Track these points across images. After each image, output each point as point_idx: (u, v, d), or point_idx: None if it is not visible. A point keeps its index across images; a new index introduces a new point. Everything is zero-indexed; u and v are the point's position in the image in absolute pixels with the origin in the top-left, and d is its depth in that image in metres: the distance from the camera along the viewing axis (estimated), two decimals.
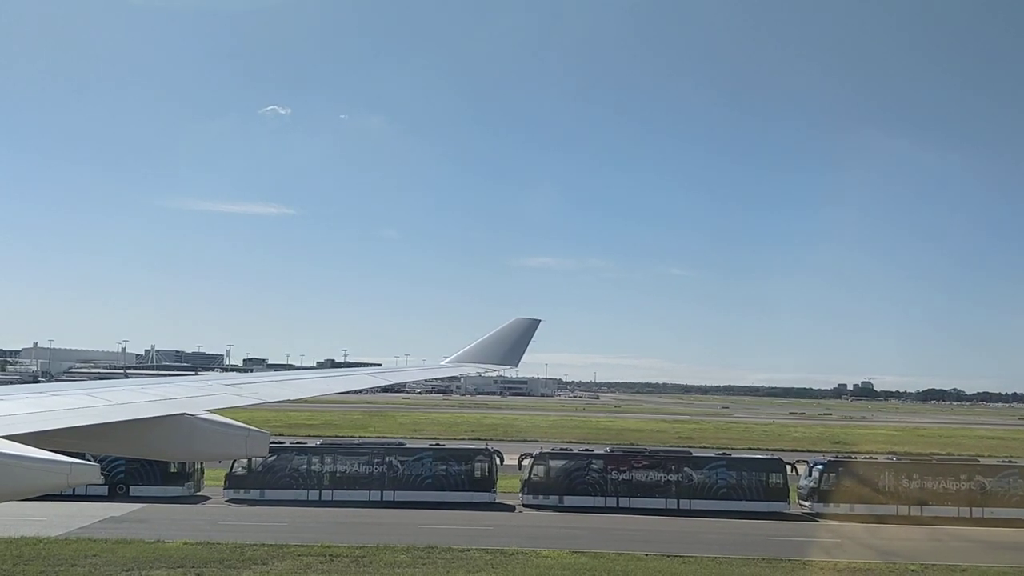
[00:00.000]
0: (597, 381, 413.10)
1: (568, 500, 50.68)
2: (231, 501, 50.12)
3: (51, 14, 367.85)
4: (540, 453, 53.30)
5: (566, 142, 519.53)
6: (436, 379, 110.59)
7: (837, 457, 56.51)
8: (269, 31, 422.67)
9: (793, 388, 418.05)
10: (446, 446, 57.90)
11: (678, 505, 50.96)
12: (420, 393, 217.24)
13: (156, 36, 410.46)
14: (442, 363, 17.26)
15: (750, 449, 78.09)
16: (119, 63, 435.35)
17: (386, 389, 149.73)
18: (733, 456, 56.07)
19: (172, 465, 49.10)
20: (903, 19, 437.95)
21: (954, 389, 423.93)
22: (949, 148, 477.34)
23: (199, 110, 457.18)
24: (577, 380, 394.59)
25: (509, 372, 18.88)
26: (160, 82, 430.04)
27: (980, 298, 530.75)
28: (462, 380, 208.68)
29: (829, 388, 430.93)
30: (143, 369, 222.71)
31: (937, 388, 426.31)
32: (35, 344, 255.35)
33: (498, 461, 52.83)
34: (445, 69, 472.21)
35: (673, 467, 52.18)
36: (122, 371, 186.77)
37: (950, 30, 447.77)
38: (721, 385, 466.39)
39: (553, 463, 52.29)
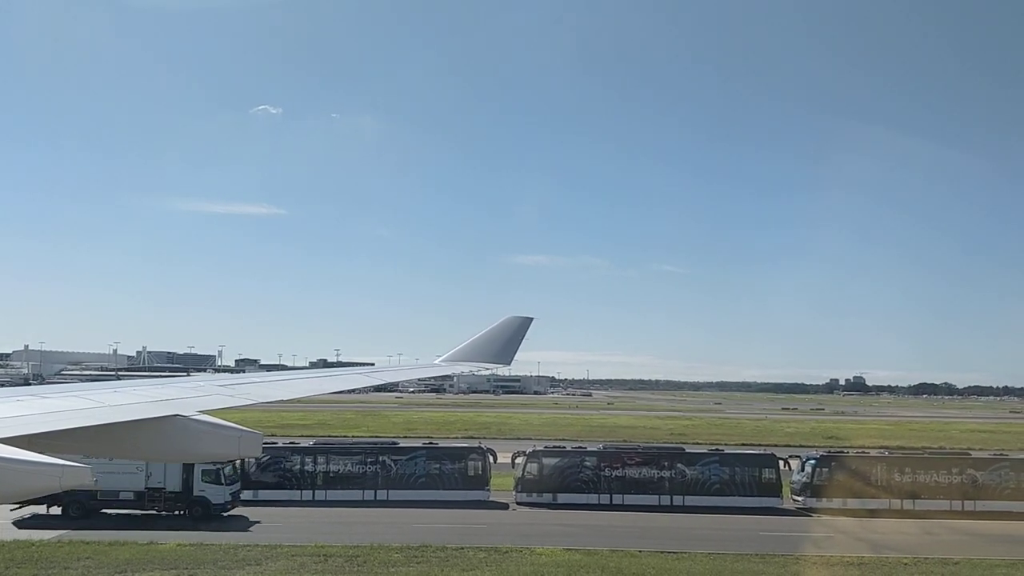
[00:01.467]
0: (590, 378, 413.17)
1: (562, 497, 50.70)
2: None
3: (43, 13, 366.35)
4: (533, 451, 53.33)
5: (562, 133, 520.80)
6: (429, 378, 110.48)
7: (829, 452, 56.76)
8: (260, 30, 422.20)
9: (785, 383, 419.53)
10: (439, 445, 57.93)
11: (671, 501, 51.01)
12: (413, 392, 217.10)
13: (147, 35, 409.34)
14: (435, 362, 17.26)
15: (743, 445, 78.31)
16: (109, 62, 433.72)
17: (379, 388, 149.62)
18: (726, 452, 56.18)
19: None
20: (907, 5, 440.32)
21: (945, 383, 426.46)
22: (944, 136, 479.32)
23: (189, 110, 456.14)
24: (570, 378, 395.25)
25: (502, 370, 18.89)
26: (150, 81, 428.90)
27: (973, 290, 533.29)
28: (455, 379, 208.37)
29: (821, 383, 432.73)
30: (135, 370, 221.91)
31: (929, 382, 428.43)
32: (26, 346, 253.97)
33: (491, 459, 52.84)
34: (437, 66, 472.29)
35: (666, 464, 52.24)
36: (114, 373, 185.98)
37: (952, 17, 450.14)
38: (713, 381, 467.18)
39: (546, 461, 52.32)
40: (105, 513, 44.75)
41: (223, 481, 45.64)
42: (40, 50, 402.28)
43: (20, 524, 42.49)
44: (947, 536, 44.05)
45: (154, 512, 45.11)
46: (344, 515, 46.01)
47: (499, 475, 53.13)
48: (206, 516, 44.49)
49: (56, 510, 44.29)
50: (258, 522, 44.46)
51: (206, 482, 45.11)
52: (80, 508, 44.21)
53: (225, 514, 45.38)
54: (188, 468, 44.79)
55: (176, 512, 45.42)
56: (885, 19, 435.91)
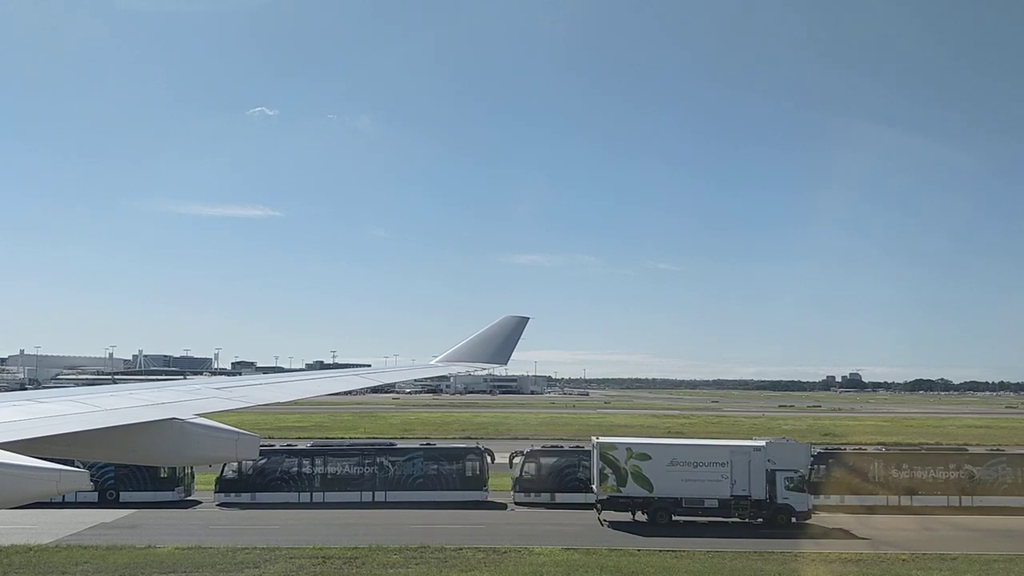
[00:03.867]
0: (587, 377, 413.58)
1: (560, 497, 50.67)
2: (222, 505, 49.95)
3: (38, 16, 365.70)
4: (531, 450, 53.32)
5: (557, 132, 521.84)
6: (426, 379, 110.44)
7: (827, 449, 56.77)
8: (256, 32, 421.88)
9: (782, 381, 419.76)
10: (437, 445, 57.85)
11: None
12: (410, 393, 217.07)
13: (143, 38, 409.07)
14: (431, 362, 17.23)
15: None
16: (105, 65, 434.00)
17: (376, 390, 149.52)
18: None
19: (162, 470, 48.88)
20: (900, 3, 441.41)
21: (942, 379, 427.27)
22: (939, 132, 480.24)
23: (185, 112, 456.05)
24: (567, 377, 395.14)
25: (498, 370, 18.87)
26: (146, 84, 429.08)
27: (968, 286, 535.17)
28: (452, 379, 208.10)
29: (818, 380, 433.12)
30: (131, 374, 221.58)
31: (925, 378, 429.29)
32: (22, 351, 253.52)
33: (489, 459, 52.78)
34: (433, 67, 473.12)
35: None
36: (110, 377, 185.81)
37: (944, 15, 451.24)
38: (710, 379, 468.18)
39: (544, 460, 52.32)
40: (678, 521, 44.79)
41: (805, 489, 45.35)
42: (35, 53, 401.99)
43: (613, 525, 44.16)
44: (945, 532, 44.10)
45: (737, 520, 44.82)
46: (342, 517, 45.92)
47: (497, 475, 53.06)
48: (788, 524, 44.14)
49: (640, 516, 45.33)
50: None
51: (790, 490, 44.70)
52: (666, 515, 44.75)
53: (806, 522, 44.83)
54: (772, 476, 44.83)
55: (758, 520, 44.82)
56: (877, 17, 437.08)
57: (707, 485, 44.96)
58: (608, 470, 45.66)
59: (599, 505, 45.81)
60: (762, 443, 47.37)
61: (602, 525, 44.56)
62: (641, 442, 49.74)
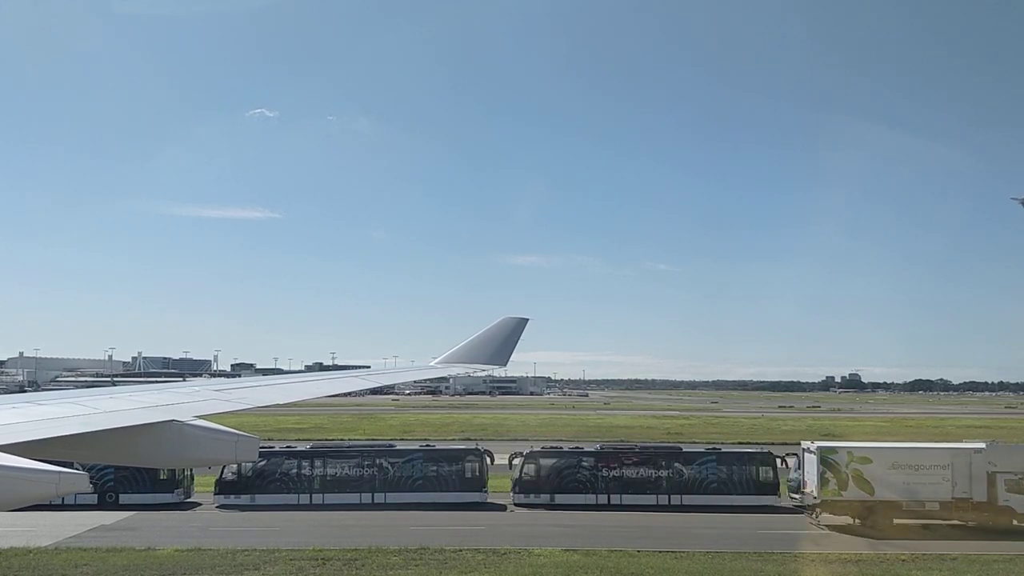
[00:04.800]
0: (586, 379, 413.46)
1: (559, 498, 50.66)
2: (222, 507, 49.90)
3: (39, 18, 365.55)
4: (530, 452, 53.28)
5: (557, 132, 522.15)
6: (425, 380, 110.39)
7: None
8: (256, 34, 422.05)
9: (781, 382, 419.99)
10: (436, 447, 57.84)
11: (669, 501, 50.96)
12: (409, 394, 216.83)
13: (142, 40, 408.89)
14: (431, 364, 17.21)
15: (740, 443, 78.36)
16: (104, 66, 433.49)
17: (375, 391, 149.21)
18: (723, 451, 56.17)
19: (162, 472, 48.77)
20: (899, 2, 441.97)
21: (941, 379, 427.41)
22: (939, 132, 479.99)
23: (185, 113, 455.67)
24: (566, 378, 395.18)
25: (498, 372, 18.85)
26: (145, 85, 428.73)
27: (968, 287, 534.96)
28: (451, 380, 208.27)
29: (817, 381, 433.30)
30: (130, 376, 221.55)
31: (924, 379, 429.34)
32: (20, 353, 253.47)
33: (489, 461, 52.76)
34: (432, 68, 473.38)
35: (663, 463, 52.20)
36: (109, 379, 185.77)
37: (944, 14, 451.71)
38: (710, 380, 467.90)
39: (544, 461, 52.28)
40: (897, 524, 44.52)
41: None
42: (35, 53, 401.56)
43: (832, 529, 44.41)
44: (944, 531, 44.09)
45: (957, 522, 44.62)
46: (342, 518, 45.95)
47: (496, 476, 53.04)
48: (1009, 526, 43.84)
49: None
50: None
51: (1011, 492, 44.42)
52: (887, 518, 44.56)
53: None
54: (992, 478, 44.60)
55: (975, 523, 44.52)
56: (877, 17, 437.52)
57: (928, 488, 44.99)
58: (829, 474, 45.72)
59: (817, 509, 45.98)
60: (982, 445, 47.28)
61: (819, 529, 44.82)
62: (862, 446, 50.08)
